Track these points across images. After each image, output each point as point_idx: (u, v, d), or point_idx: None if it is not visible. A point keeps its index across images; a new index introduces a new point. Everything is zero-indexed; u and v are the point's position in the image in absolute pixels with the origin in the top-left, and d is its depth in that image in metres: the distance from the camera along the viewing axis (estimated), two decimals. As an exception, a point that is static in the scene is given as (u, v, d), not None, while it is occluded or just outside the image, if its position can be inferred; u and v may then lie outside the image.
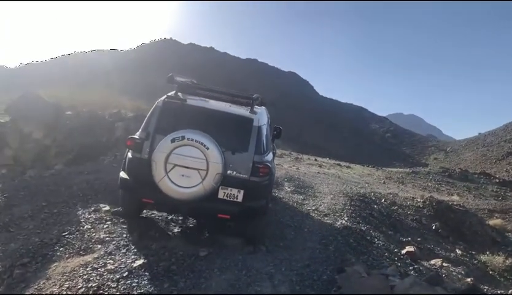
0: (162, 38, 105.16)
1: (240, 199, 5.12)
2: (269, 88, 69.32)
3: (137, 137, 5.26)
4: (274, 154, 7.14)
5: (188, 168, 4.92)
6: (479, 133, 58.25)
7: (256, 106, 5.77)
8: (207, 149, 4.88)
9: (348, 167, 21.30)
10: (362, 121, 78.11)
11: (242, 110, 5.49)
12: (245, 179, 5.12)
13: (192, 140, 4.88)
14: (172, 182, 4.92)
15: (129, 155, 5.33)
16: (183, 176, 4.93)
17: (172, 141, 4.89)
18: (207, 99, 5.60)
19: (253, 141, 5.22)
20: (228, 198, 5.12)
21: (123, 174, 5.42)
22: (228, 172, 5.06)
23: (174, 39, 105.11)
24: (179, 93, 5.52)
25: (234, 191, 5.12)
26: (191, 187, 4.92)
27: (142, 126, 5.38)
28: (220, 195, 5.10)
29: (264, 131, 5.61)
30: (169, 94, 5.47)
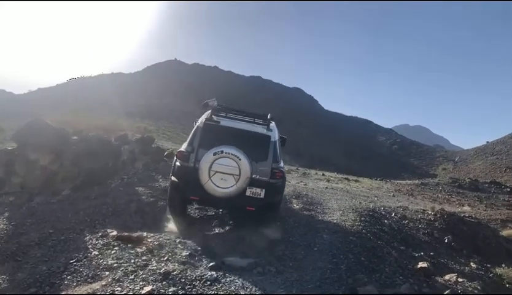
0: (167, 59, 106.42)
1: (262, 196, 6.83)
2: (274, 104, 69.59)
3: (184, 150, 7.00)
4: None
5: (226, 174, 6.60)
6: (488, 142, 57.72)
7: (268, 122, 7.43)
8: (240, 159, 6.58)
9: (356, 181, 21.13)
10: (368, 134, 77.89)
11: (261, 129, 7.25)
12: (266, 181, 6.85)
13: (228, 153, 6.57)
14: (214, 184, 6.60)
15: (178, 163, 6.99)
16: (222, 179, 6.61)
17: (214, 154, 6.56)
18: (234, 120, 7.31)
19: (270, 153, 7.01)
20: (253, 195, 6.81)
21: (173, 178, 7.02)
22: (253, 176, 6.74)
23: (178, 59, 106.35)
24: (213, 116, 7.17)
25: (258, 190, 6.83)
26: (228, 187, 6.62)
27: (187, 142, 7.15)
28: (248, 193, 6.78)
29: (278, 144, 7.32)
30: (207, 117, 7.16)
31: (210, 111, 7.27)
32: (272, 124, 7.59)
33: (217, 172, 6.57)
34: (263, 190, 6.82)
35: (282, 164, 7.32)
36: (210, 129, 6.99)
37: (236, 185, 6.62)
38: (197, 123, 7.25)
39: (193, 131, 7.18)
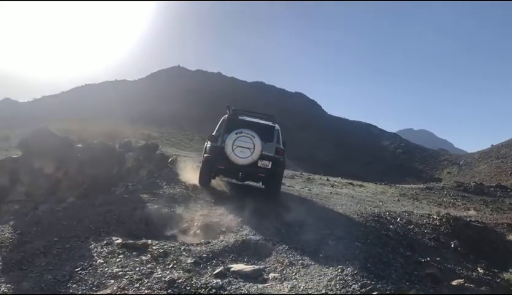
0: (170, 66, 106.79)
1: (270, 167, 9.49)
2: (277, 109, 69.52)
3: (214, 135, 9.85)
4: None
5: (244, 148, 9.20)
6: (492, 145, 57.40)
7: (275, 121, 10.46)
8: (254, 138, 9.21)
9: (361, 186, 21.06)
10: (372, 138, 77.73)
11: (268, 122, 10.29)
12: (272, 156, 9.56)
13: (246, 133, 9.24)
14: (236, 155, 9.23)
15: (209, 144, 9.89)
16: (241, 151, 9.20)
17: (236, 133, 9.25)
18: (248, 116, 10.40)
19: (275, 137, 9.89)
20: (263, 166, 9.47)
21: (206, 155, 9.78)
22: (263, 152, 9.37)
23: (181, 66, 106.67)
24: (231, 114, 10.08)
25: (266, 162, 9.47)
26: (246, 157, 9.22)
27: (215, 130, 10.05)
28: (259, 164, 9.43)
29: (280, 134, 10.13)
30: (230, 114, 10.09)
31: (231, 110, 10.18)
32: (276, 123, 10.34)
33: (238, 146, 9.18)
34: (270, 162, 9.47)
35: (281, 145, 10.03)
36: (232, 121, 9.82)
37: (251, 156, 9.22)
38: (222, 118, 10.11)
39: (219, 123, 10.12)
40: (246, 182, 11.69)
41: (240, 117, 10.03)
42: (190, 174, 11.26)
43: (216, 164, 9.55)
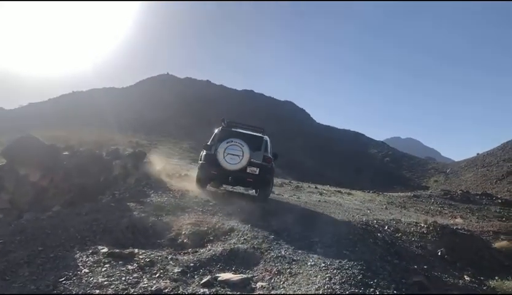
0: (159, 73, 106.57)
1: (257, 173, 10.42)
2: (266, 118, 69.80)
3: (208, 144, 10.79)
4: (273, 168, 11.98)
5: (234, 155, 10.18)
6: (478, 154, 58.31)
7: (264, 132, 11.48)
8: (243, 146, 10.21)
9: (349, 194, 21.14)
10: (360, 146, 78.30)
11: (257, 133, 11.28)
12: (259, 163, 10.47)
13: (236, 142, 10.24)
14: (226, 161, 10.22)
15: (204, 152, 10.88)
16: (231, 158, 10.17)
17: (227, 142, 10.25)
18: (240, 128, 11.44)
19: (263, 147, 10.78)
20: (251, 172, 10.39)
21: (201, 161, 10.92)
22: (252, 160, 10.32)
23: (170, 73, 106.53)
24: (225, 126, 11.16)
25: (254, 168, 10.39)
26: (235, 163, 10.23)
27: (210, 139, 10.97)
28: (248, 170, 10.35)
29: (269, 144, 11.15)
30: (222, 125, 11.13)
31: (224, 123, 11.22)
32: (265, 135, 11.36)
33: (228, 154, 10.17)
34: (258, 169, 10.41)
35: (271, 156, 11.10)
36: (224, 132, 10.89)
37: (241, 163, 10.21)
38: (216, 129, 11.15)
39: (213, 134, 11.10)
40: (240, 191, 12.82)
41: (233, 129, 11.10)
42: (178, 182, 11.19)
43: (210, 169, 10.53)
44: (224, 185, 12.58)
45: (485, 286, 7.74)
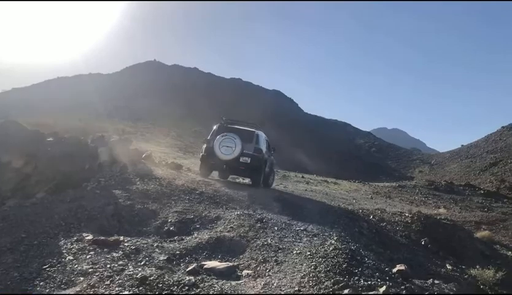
0: (146, 60, 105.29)
1: (249, 162, 11.68)
2: (254, 107, 69.61)
3: (208, 138, 12.20)
4: (273, 162, 14.45)
5: (227, 147, 11.55)
6: (462, 145, 59.21)
7: (258, 128, 13.01)
8: (235, 139, 11.58)
9: (335, 183, 21.32)
10: (347, 136, 78.80)
11: (250, 128, 12.70)
12: (251, 153, 11.73)
13: (230, 135, 11.67)
14: (221, 152, 11.59)
15: (204, 145, 12.29)
16: (225, 149, 11.55)
17: (222, 136, 11.72)
18: (236, 124, 12.89)
19: (254, 139, 12.07)
20: (244, 161, 11.66)
21: (202, 153, 12.28)
22: (244, 150, 11.61)
23: (157, 60, 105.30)
24: (223, 122, 12.65)
25: (246, 158, 11.65)
26: (229, 154, 11.54)
27: (210, 134, 12.34)
28: (241, 160, 11.61)
29: (261, 138, 12.61)
30: (221, 122, 12.62)
31: (223, 120, 12.73)
32: (259, 130, 12.86)
33: (223, 146, 11.58)
34: (249, 158, 11.68)
35: (263, 147, 12.54)
36: (221, 128, 12.31)
37: (233, 153, 11.51)
38: (215, 126, 12.51)
39: (213, 130, 12.43)
40: (237, 181, 14.12)
41: (229, 125, 12.57)
42: (165, 170, 11.12)
43: (209, 160, 12.00)
44: (231, 176, 14.16)
45: (466, 275, 7.90)
